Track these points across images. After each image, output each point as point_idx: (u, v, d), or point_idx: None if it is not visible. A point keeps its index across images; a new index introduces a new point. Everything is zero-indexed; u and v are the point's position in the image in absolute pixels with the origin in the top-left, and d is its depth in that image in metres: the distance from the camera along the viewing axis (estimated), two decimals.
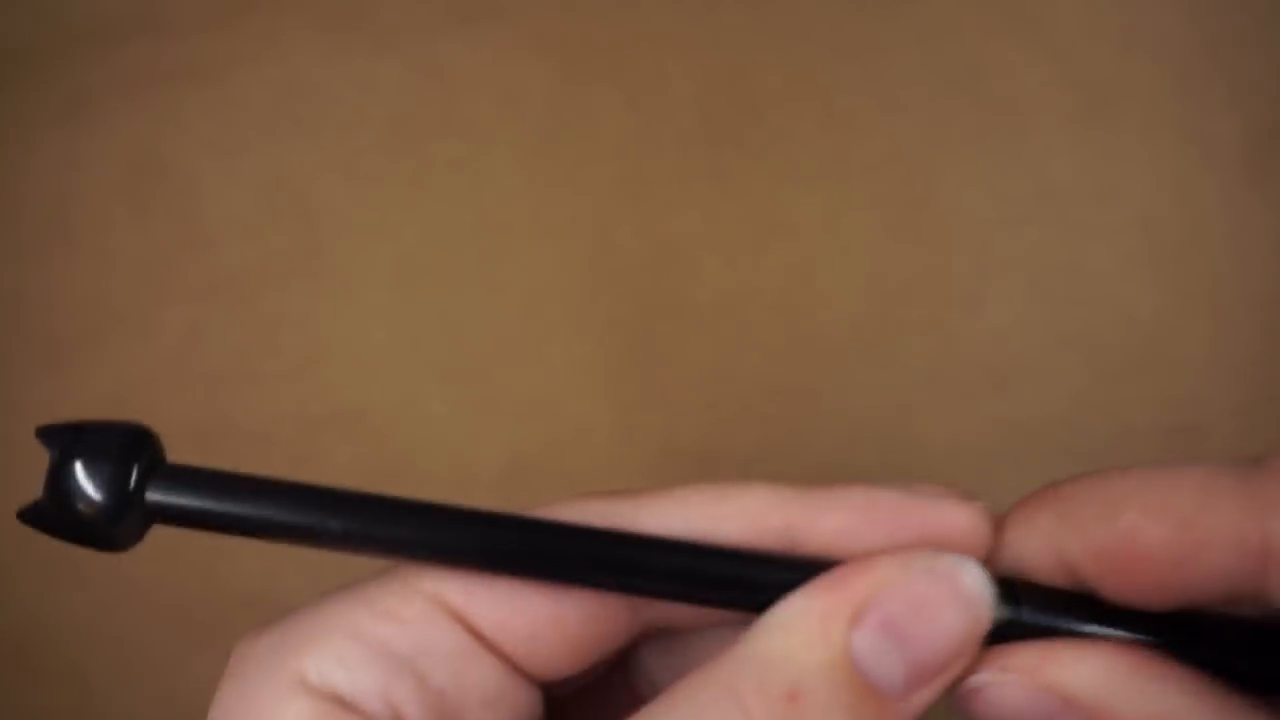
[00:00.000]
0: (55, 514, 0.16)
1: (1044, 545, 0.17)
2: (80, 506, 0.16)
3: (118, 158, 0.41)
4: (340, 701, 0.17)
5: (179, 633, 0.39)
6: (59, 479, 0.16)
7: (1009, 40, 0.41)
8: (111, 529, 0.16)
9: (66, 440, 0.17)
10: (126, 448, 0.16)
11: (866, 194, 0.41)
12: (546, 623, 0.18)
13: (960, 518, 0.18)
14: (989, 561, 0.18)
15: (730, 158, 0.41)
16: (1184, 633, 0.16)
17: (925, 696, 0.15)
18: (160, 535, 0.41)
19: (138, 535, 0.16)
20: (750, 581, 0.16)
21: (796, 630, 0.15)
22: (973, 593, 0.15)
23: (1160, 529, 0.15)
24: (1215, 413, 0.39)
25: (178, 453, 0.42)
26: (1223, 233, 0.40)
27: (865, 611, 0.15)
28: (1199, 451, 0.39)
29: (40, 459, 0.40)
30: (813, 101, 0.41)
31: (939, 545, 0.17)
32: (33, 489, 0.40)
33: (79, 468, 0.16)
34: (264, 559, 0.39)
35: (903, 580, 0.15)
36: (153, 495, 0.16)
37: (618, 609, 0.18)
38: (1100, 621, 0.16)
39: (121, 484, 0.15)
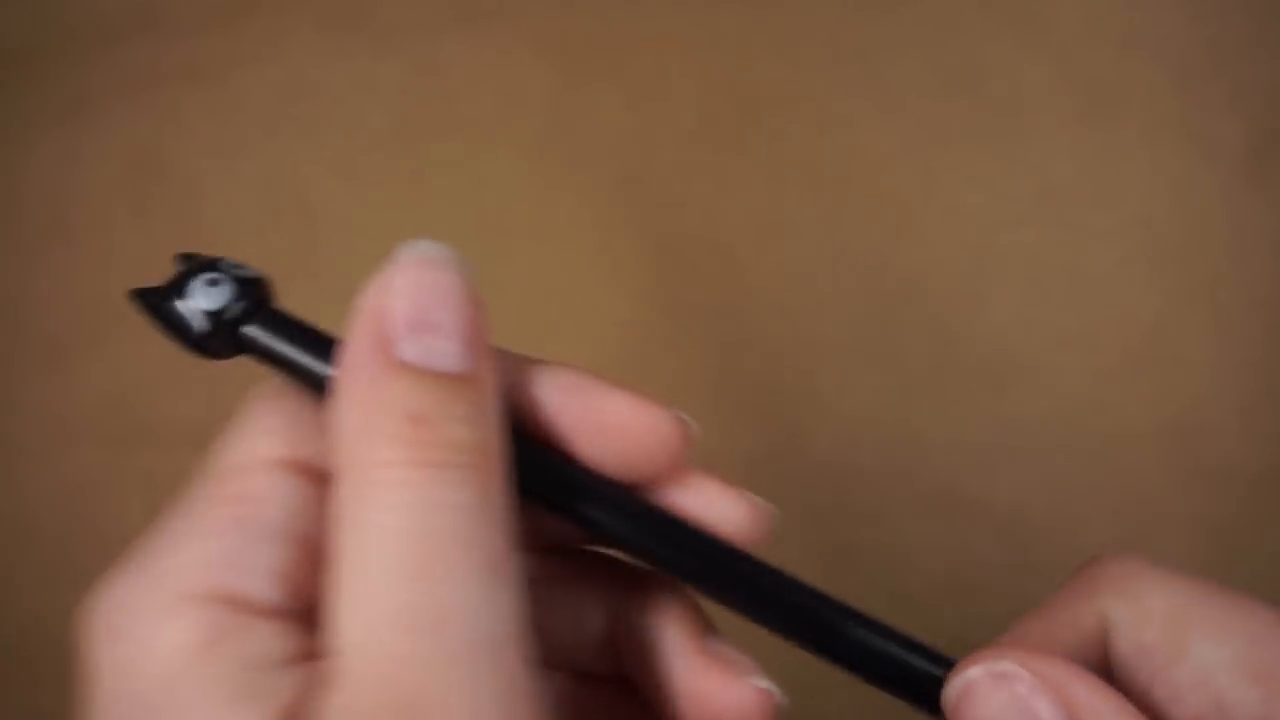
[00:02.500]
0: (163, 307, 0.19)
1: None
2: (182, 312, 0.19)
3: (118, 157, 0.41)
4: (226, 599, 0.16)
5: None
6: (181, 283, 0.19)
7: (1009, 40, 0.41)
8: (202, 341, 0.18)
9: (200, 262, 0.19)
10: (241, 281, 0.19)
11: (866, 194, 0.41)
12: None
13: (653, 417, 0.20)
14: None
15: (730, 158, 0.41)
16: None
17: (463, 352, 0.17)
18: None
19: (226, 354, 0.19)
20: None
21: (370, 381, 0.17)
22: (418, 253, 0.18)
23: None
24: (1216, 412, 0.39)
25: (178, 452, 0.42)
26: (1223, 233, 0.40)
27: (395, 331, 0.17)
28: (1200, 451, 0.39)
29: (40, 461, 0.40)
30: (813, 102, 0.41)
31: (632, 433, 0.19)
32: (33, 489, 0.40)
33: (199, 281, 0.19)
34: None
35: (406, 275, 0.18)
36: (246, 329, 0.19)
37: None
38: None
39: (221, 310, 0.18)
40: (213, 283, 0.19)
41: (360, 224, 0.41)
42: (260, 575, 0.17)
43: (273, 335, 0.19)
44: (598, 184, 0.41)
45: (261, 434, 0.18)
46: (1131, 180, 0.41)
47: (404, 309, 0.18)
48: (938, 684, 0.18)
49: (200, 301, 0.19)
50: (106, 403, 0.40)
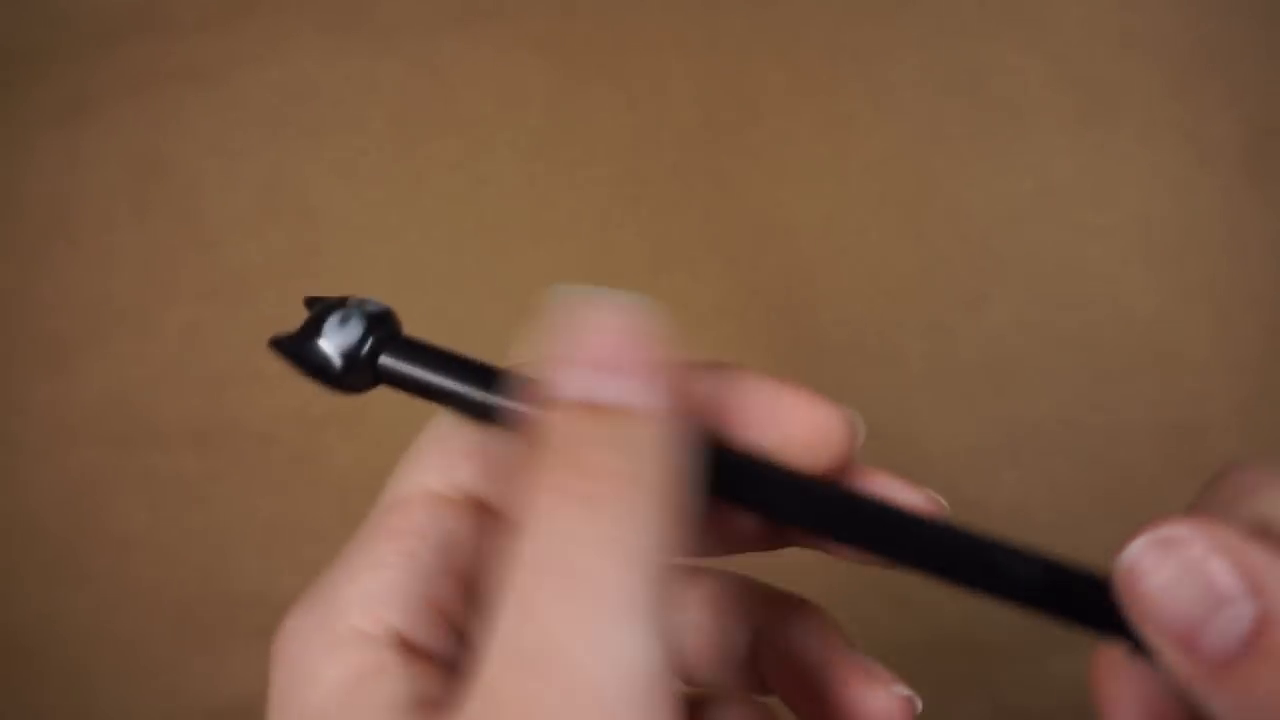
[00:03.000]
0: (302, 352, 0.20)
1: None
2: (321, 352, 0.20)
3: (119, 158, 0.41)
4: (386, 636, 0.17)
5: (180, 632, 0.39)
6: (314, 326, 0.20)
7: (1009, 41, 0.41)
8: (342, 377, 0.19)
9: (329, 304, 0.20)
10: (370, 316, 0.20)
11: (866, 194, 0.41)
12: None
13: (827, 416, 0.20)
14: None
15: (730, 158, 0.41)
16: None
17: (642, 389, 0.17)
18: (159, 536, 0.41)
19: (365, 387, 0.20)
20: None
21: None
22: (621, 302, 0.17)
23: None
24: (1215, 411, 0.40)
25: (178, 452, 0.42)
26: (1221, 232, 0.40)
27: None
28: (1200, 450, 0.39)
29: (42, 461, 0.40)
30: (812, 102, 0.41)
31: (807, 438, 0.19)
32: (36, 488, 0.40)
33: (331, 321, 0.20)
34: (264, 559, 0.39)
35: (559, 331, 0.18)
36: (383, 360, 0.20)
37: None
38: None
39: (357, 345, 0.20)
40: (344, 320, 0.20)
41: (360, 224, 0.41)
42: (420, 612, 0.17)
43: (407, 363, 0.20)
44: (597, 184, 0.41)
45: (427, 468, 0.19)
46: (1130, 180, 0.41)
47: (573, 341, 0.17)
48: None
49: (335, 340, 0.20)
50: (108, 403, 0.40)
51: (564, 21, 0.42)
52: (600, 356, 0.17)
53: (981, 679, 0.39)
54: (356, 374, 0.20)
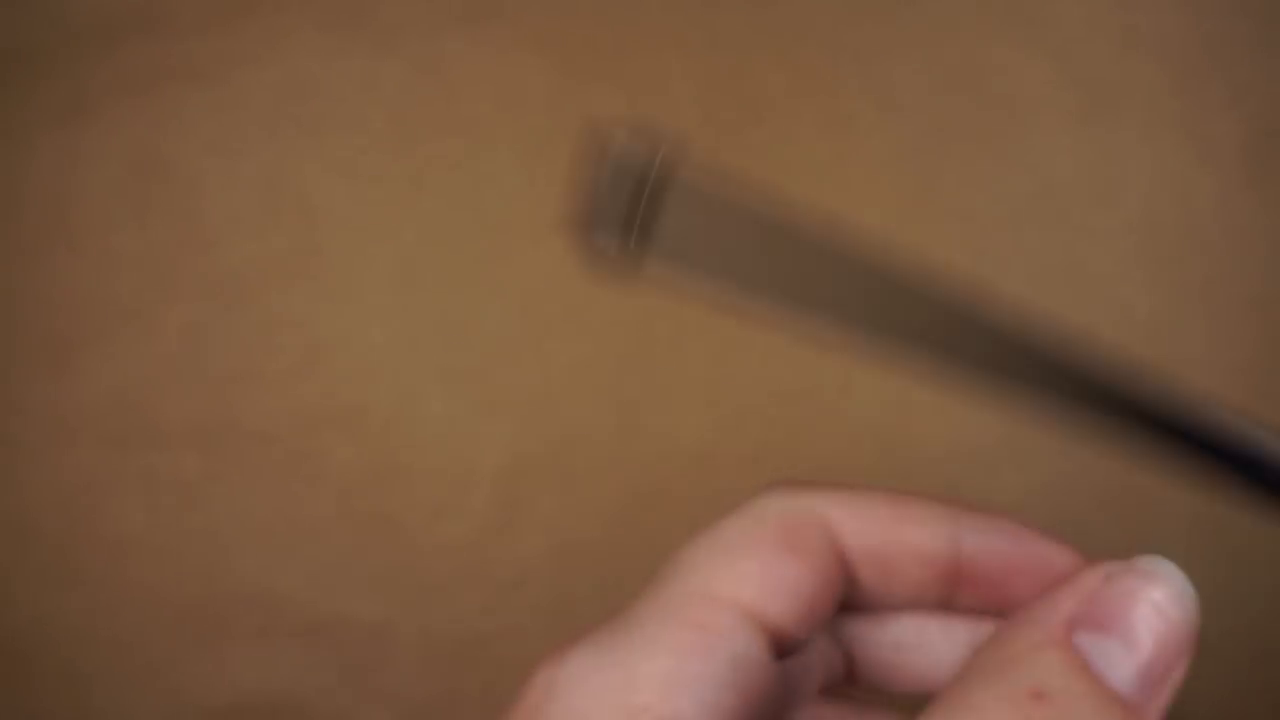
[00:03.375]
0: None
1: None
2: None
3: (118, 158, 0.41)
4: None
5: (178, 633, 0.39)
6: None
7: (1009, 40, 0.41)
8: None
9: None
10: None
11: (867, 194, 0.41)
12: (895, 550, 0.19)
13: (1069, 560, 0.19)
14: None
15: (730, 158, 0.41)
16: None
17: (1160, 701, 0.15)
18: (157, 536, 0.41)
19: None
20: None
21: (1023, 638, 0.16)
22: (1177, 583, 0.16)
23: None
24: None
25: (177, 452, 0.42)
26: (1221, 232, 0.40)
27: (1081, 616, 0.16)
28: None
29: (41, 461, 0.40)
30: (813, 102, 0.41)
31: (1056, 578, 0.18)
32: (34, 489, 0.40)
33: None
34: (263, 559, 0.39)
35: (1107, 586, 0.16)
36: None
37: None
38: None
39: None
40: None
41: (360, 224, 0.41)
42: (701, 709, 0.16)
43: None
44: None
45: (732, 574, 0.18)
46: (1131, 180, 0.41)
47: (1106, 602, 0.16)
48: None
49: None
50: (108, 403, 0.40)
51: (565, 21, 0.42)
52: (1154, 655, 0.15)
53: None
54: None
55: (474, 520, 0.40)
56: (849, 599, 0.19)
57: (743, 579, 0.17)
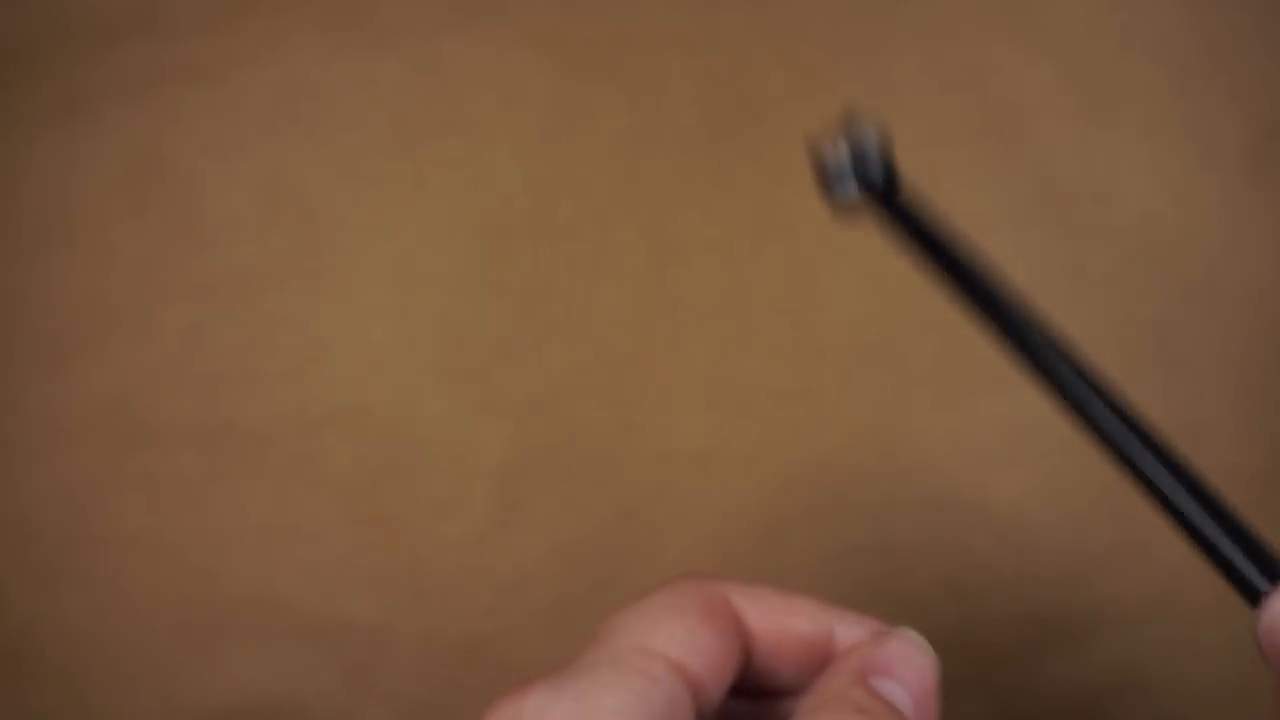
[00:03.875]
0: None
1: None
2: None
3: (118, 158, 0.41)
4: None
5: (177, 634, 0.39)
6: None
7: (1009, 41, 0.41)
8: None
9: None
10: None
11: None
12: (782, 638, 0.23)
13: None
14: None
15: (730, 158, 0.41)
16: None
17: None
18: (156, 536, 0.41)
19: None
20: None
21: (840, 682, 0.21)
22: (924, 644, 0.22)
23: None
24: (1214, 411, 0.39)
25: (178, 453, 0.42)
26: (1222, 232, 0.40)
27: (869, 667, 0.21)
28: (1198, 450, 0.39)
29: (39, 461, 0.40)
30: (813, 102, 0.41)
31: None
32: (32, 489, 0.40)
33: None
34: (262, 560, 0.39)
35: (883, 646, 0.22)
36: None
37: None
38: None
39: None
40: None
41: (360, 224, 0.41)
42: None
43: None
44: (597, 183, 0.41)
45: (661, 633, 0.21)
46: (1131, 179, 0.41)
47: (888, 657, 0.21)
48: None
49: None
50: (106, 403, 0.40)
51: (564, 21, 0.42)
52: (920, 690, 0.21)
53: (981, 680, 0.39)
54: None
55: (474, 520, 0.40)
56: (743, 680, 0.23)
57: (670, 638, 0.21)
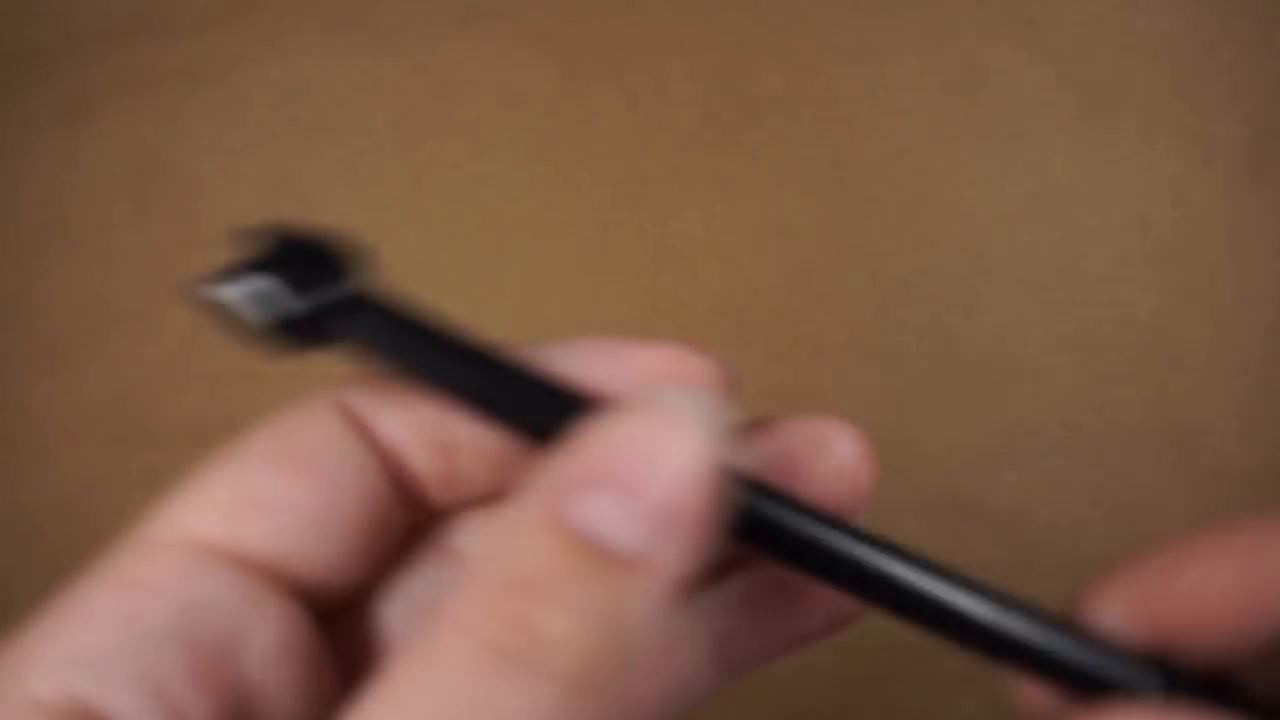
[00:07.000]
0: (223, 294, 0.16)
1: (1124, 615, 0.16)
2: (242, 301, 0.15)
3: (118, 158, 0.41)
4: (85, 712, 0.13)
5: None
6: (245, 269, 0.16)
7: (1008, 42, 0.41)
8: (271, 337, 0.15)
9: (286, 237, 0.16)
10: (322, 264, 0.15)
11: (866, 194, 0.41)
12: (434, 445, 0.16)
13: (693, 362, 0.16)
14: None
15: (730, 158, 0.41)
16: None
17: (678, 544, 0.13)
18: None
19: (305, 349, 0.16)
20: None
21: (506, 527, 0.13)
22: (685, 414, 0.13)
23: (1221, 579, 0.15)
24: (1214, 412, 0.39)
25: (179, 452, 0.42)
26: (1221, 233, 0.40)
27: (577, 480, 0.13)
28: (1198, 450, 0.39)
29: (41, 461, 0.40)
30: (812, 103, 0.41)
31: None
32: (34, 489, 0.40)
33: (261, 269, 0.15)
34: None
35: (605, 438, 0.13)
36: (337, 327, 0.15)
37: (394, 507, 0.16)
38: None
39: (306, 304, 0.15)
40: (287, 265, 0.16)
41: (360, 224, 0.41)
42: (126, 687, 0.14)
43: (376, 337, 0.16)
44: (598, 184, 0.41)
45: (199, 505, 0.15)
46: (1130, 180, 0.41)
47: (598, 457, 0.13)
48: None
49: (259, 294, 0.16)
50: (107, 403, 0.40)
51: (565, 22, 0.42)
52: (657, 496, 0.13)
53: (980, 679, 0.39)
54: (290, 337, 0.15)
55: None
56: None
57: (198, 508, 0.15)
